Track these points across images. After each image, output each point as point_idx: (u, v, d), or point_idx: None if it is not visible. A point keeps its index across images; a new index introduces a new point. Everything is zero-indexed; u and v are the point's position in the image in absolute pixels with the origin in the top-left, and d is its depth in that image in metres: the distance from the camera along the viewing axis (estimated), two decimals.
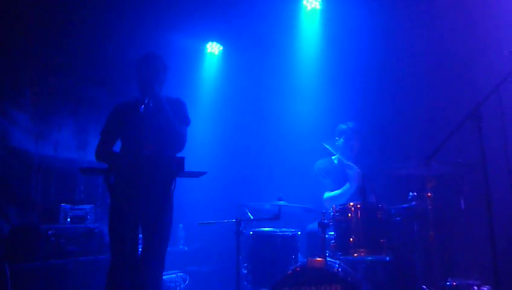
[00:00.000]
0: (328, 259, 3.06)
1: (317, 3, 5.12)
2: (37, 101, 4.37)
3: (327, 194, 4.00)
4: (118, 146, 3.18)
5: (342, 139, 4.12)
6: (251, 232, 3.63)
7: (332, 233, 3.24)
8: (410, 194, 3.34)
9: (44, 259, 3.52)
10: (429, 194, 2.93)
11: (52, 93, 4.53)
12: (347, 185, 3.94)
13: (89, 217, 4.09)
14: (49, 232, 3.64)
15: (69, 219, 3.93)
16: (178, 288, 4.45)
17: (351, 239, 3.08)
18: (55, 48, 4.47)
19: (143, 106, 2.71)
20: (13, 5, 4.05)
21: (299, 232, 3.67)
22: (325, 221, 3.13)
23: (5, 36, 4.05)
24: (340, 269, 2.96)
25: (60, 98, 4.63)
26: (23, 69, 4.25)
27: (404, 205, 3.32)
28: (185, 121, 3.17)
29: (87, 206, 4.13)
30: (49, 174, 4.40)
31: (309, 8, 5.16)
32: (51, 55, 4.46)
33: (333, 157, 4.24)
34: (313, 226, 3.70)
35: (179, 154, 3.06)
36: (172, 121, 3.01)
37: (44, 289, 3.42)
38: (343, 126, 4.14)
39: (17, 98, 4.20)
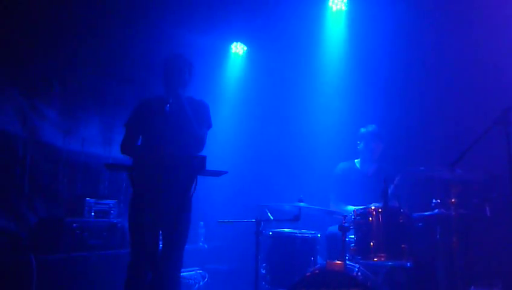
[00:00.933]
0: (348, 262, 3.03)
1: (343, 4, 5.08)
2: (66, 97, 4.49)
3: (335, 207, 3.95)
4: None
5: (362, 143, 4.10)
6: (270, 233, 3.63)
7: (353, 236, 3.21)
8: (434, 201, 3.27)
9: (68, 251, 3.60)
10: (453, 200, 2.87)
11: (80, 90, 4.65)
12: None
13: (112, 211, 4.17)
14: (74, 225, 3.72)
15: (93, 213, 4.02)
16: (197, 285, 4.49)
17: (372, 243, 3.04)
18: (84, 46, 4.58)
19: (168, 105, 2.75)
20: (44, 3, 4.17)
21: (319, 235, 3.65)
22: (346, 224, 3.10)
23: (37, 32, 4.18)
24: (359, 273, 2.93)
25: (87, 95, 4.74)
26: (53, 65, 4.37)
27: (427, 211, 3.26)
28: (207, 124, 3.22)
29: (111, 201, 4.22)
30: (75, 169, 4.51)
31: (335, 9, 5.12)
32: (80, 53, 4.57)
33: (356, 160, 4.21)
34: (334, 228, 3.67)
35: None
36: (192, 123, 3.04)
37: (67, 280, 3.51)
38: (363, 130, 4.12)
39: (47, 94, 4.32)
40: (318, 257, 3.58)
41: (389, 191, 3.17)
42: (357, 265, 3.05)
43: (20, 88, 4.09)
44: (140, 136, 3.23)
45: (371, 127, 4.09)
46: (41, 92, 4.27)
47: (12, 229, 3.86)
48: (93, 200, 4.06)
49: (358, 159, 4.19)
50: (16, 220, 3.93)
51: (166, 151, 2.78)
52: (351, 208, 3.67)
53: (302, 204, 3.35)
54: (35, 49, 4.20)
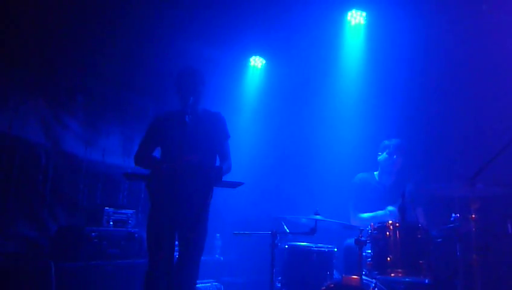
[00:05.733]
0: (364, 277, 2.98)
1: (362, 18, 5.10)
2: (88, 108, 4.61)
3: (361, 215, 3.91)
4: (157, 153, 3.29)
5: (384, 154, 4.06)
6: (286, 246, 3.61)
7: (370, 251, 3.17)
8: (453, 215, 3.21)
9: (87, 260, 3.66)
10: (473, 216, 2.80)
11: (102, 102, 4.77)
12: (380, 213, 3.83)
13: (130, 221, 4.22)
14: (93, 234, 3.77)
15: (111, 223, 4.07)
16: None
17: (388, 258, 2.98)
18: (107, 59, 4.72)
19: (187, 116, 2.78)
20: (69, 17, 4.32)
21: (336, 249, 3.61)
22: (362, 238, 3.07)
23: (62, 46, 4.32)
24: (376, 289, 2.88)
25: (109, 107, 4.86)
26: (76, 77, 4.51)
27: (446, 227, 3.19)
28: (225, 135, 3.27)
29: (129, 211, 4.27)
30: (95, 178, 4.61)
31: (353, 23, 5.14)
32: (103, 66, 4.71)
33: (375, 172, 4.17)
34: (351, 241, 3.63)
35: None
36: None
37: (85, 288, 3.55)
38: (387, 142, 4.09)
39: (70, 105, 4.46)
40: (334, 271, 3.54)
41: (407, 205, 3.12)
42: (374, 280, 3.00)
43: (44, 99, 4.23)
44: (158, 149, 3.27)
45: (395, 141, 4.06)
46: (65, 103, 4.40)
47: (33, 236, 3.95)
48: (112, 209, 4.12)
49: (377, 172, 4.16)
50: (37, 228, 4.02)
51: (186, 159, 2.80)
52: (364, 215, 3.61)
53: (318, 217, 3.33)
54: (60, 62, 4.34)
